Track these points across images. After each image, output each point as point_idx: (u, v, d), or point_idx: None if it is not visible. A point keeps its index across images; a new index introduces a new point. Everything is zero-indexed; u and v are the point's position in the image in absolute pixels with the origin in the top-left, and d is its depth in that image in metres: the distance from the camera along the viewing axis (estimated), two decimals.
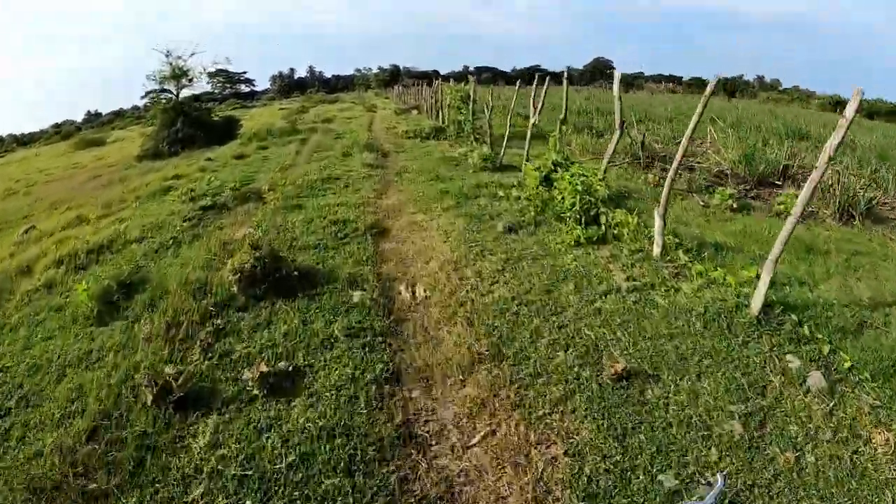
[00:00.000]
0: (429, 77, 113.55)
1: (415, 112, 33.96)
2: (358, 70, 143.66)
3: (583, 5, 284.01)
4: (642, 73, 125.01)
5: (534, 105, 13.33)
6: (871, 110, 67.72)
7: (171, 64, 30.02)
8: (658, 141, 19.91)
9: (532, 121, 13.17)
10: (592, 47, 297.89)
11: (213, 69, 31.12)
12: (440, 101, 26.63)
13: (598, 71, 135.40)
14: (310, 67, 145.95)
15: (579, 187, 8.97)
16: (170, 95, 31.34)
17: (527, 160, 13.28)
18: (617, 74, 9.34)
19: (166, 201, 13.50)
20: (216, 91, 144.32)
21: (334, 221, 9.70)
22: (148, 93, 31.51)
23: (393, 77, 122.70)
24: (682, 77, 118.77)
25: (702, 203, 11.32)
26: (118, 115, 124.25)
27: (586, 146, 17.82)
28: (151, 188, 16.50)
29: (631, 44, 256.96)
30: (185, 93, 32.56)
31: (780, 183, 14.31)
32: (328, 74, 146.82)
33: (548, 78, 13.37)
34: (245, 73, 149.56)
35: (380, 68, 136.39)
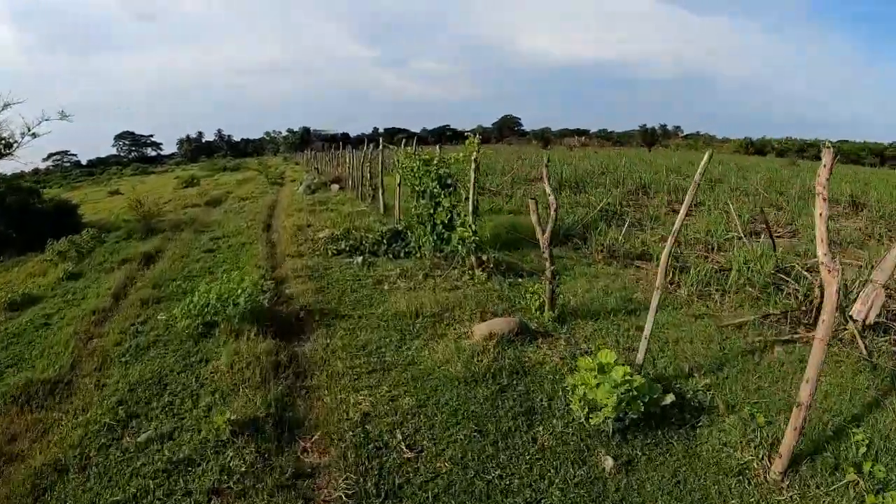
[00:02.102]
0: (337, 140, 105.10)
1: (335, 188, 23.67)
2: (267, 133, 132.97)
3: (479, 64, 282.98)
4: (549, 128, 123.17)
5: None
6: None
7: None
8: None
9: None
10: (496, 106, 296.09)
11: (39, 129, 19.57)
12: (378, 175, 16.71)
13: (507, 127, 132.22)
14: (218, 131, 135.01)
15: None
16: None
17: None
18: None
19: None
20: (122, 154, 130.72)
21: None
22: None
23: (303, 140, 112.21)
24: (588, 130, 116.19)
25: None
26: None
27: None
28: None
29: (529, 100, 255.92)
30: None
31: None
32: (237, 138, 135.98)
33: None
34: (152, 136, 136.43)
35: (289, 131, 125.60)
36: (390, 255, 10.98)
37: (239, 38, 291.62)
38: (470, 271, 9.18)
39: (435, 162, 10.79)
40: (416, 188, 11.31)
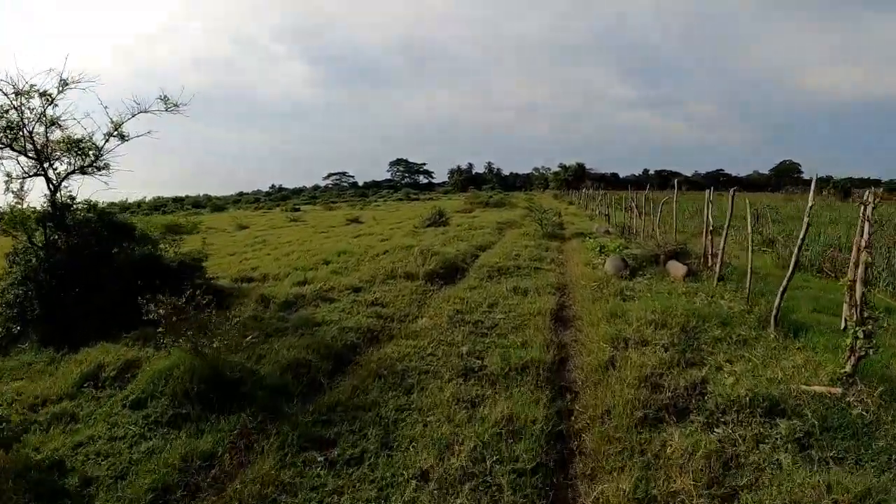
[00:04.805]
0: (606, 180, 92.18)
1: (678, 271, 11.13)
2: (536, 169, 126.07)
3: (752, 105, 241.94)
4: (831, 176, 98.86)
5: None
6: None
7: (15, 107, 9.78)
8: None
9: None
10: (771, 150, 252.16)
11: (127, 127, 10.56)
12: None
13: (786, 175, 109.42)
14: (488, 163, 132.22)
15: None
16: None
17: None
18: None
19: None
20: (396, 179, 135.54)
21: None
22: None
23: (576, 177, 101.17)
24: (879, 179, 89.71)
25: None
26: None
27: None
28: None
29: (807, 144, 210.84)
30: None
31: None
32: (506, 172, 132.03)
33: None
34: (424, 164, 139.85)
35: (562, 166, 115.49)
36: None
37: (505, 76, 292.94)
38: None
39: None
40: None
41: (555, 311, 8.77)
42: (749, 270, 8.78)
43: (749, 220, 8.97)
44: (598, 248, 14.38)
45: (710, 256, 10.77)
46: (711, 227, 10.98)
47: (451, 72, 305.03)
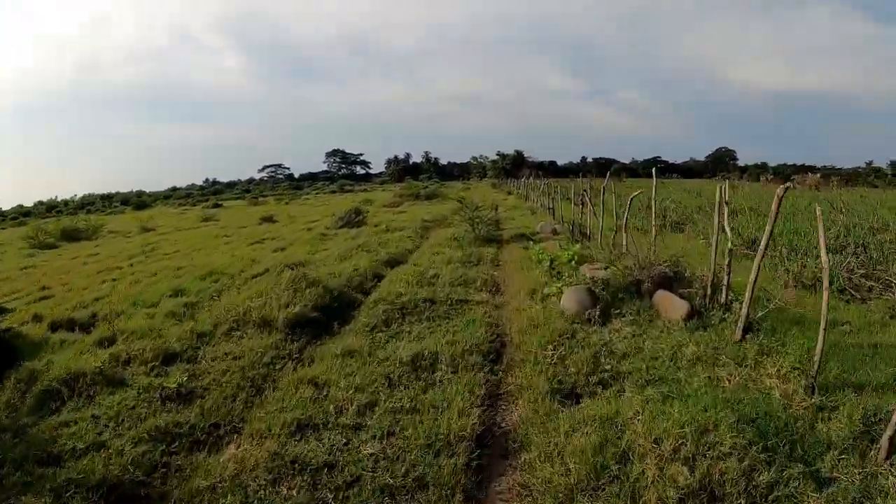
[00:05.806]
0: (545, 168, 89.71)
1: (676, 310, 7.22)
2: (474, 158, 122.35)
3: (687, 96, 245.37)
4: (766, 163, 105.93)
5: None
6: None
7: None
8: None
9: None
10: (706, 138, 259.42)
11: None
12: None
13: (720, 161, 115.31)
14: (425, 153, 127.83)
15: None
16: None
17: None
18: None
19: None
20: (332, 171, 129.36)
21: None
22: None
23: (515, 165, 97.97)
24: (813, 166, 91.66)
25: None
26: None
27: None
28: None
29: (740, 132, 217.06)
30: None
31: None
32: (444, 161, 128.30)
33: None
34: (361, 154, 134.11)
35: (499, 154, 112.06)
36: None
37: (447, 69, 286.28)
38: None
39: None
40: None
41: (479, 430, 4.56)
42: (823, 321, 4.82)
43: (821, 227, 4.94)
44: (549, 263, 10.37)
45: (725, 287, 6.83)
46: (717, 244, 7.00)
47: (391, 63, 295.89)
